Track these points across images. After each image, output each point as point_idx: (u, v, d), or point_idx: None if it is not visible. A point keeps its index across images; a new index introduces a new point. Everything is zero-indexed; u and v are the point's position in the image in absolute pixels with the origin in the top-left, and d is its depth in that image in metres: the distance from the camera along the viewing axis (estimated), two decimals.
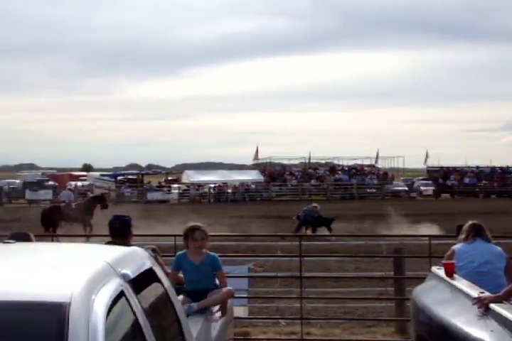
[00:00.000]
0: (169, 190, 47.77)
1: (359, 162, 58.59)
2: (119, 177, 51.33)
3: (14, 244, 3.19)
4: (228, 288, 5.26)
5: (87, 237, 14.40)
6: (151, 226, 17.94)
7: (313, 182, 51.40)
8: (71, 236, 13.56)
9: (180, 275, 5.43)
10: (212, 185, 48.26)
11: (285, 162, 59.35)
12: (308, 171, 54.44)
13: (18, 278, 2.32)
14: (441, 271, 5.12)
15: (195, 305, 4.95)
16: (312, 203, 22.70)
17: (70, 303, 2.15)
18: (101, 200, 21.67)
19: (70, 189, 33.18)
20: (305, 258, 8.99)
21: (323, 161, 59.05)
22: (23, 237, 4.27)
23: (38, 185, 47.23)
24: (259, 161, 58.34)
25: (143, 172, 57.21)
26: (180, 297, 4.93)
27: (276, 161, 59.10)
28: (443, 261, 5.26)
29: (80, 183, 50.49)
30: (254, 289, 9.77)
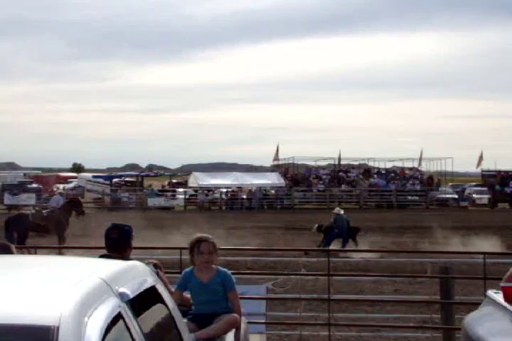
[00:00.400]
0: (174, 195, 47.96)
1: (399, 164, 58.38)
2: (115, 180, 51.65)
3: None
4: (232, 315, 5.23)
5: (66, 249, 14.50)
6: (152, 238, 17.99)
7: (343, 187, 51.30)
8: (59, 248, 13.65)
9: (188, 295, 5.44)
10: (225, 190, 48.37)
11: (310, 163, 59.31)
12: (338, 174, 54.32)
13: None
14: (499, 296, 5.06)
15: (193, 336, 4.92)
16: (335, 209, 22.15)
17: (58, 327, 2.15)
18: (75, 205, 21.55)
19: (61, 193, 33.41)
20: (334, 277, 8.95)
21: (356, 163, 58.89)
22: (2, 249, 4.31)
23: (19, 187, 47.65)
24: (280, 162, 58.34)
25: (143, 173, 57.51)
26: (184, 321, 4.92)
27: (300, 162, 59.09)
28: (501, 284, 5.19)
29: (69, 186, 50.95)
30: (273, 313, 9.75)
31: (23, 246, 11.51)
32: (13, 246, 4.60)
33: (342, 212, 21.36)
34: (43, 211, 21.15)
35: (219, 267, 5.42)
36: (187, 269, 5.52)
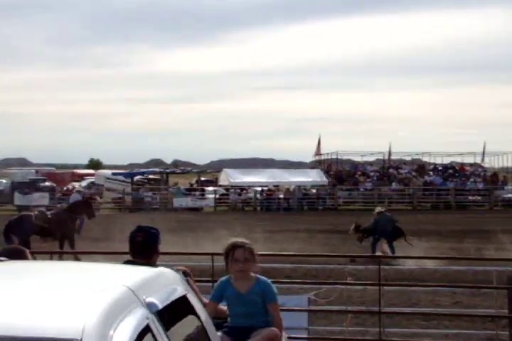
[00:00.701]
0: (202, 195, 48.17)
1: (458, 159, 57.80)
2: (137, 177, 52.02)
3: (6, 262, 3.26)
4: (272, 329, 5.24)
5: (81, 255, 14.64)
6: (179, 243, 18.11)
7: (394, 185, 50.97)
8: (75, 253, 13.82)
9: (223, 307, 5.46)
10: (260, 189, 48.43)
11: (356, 159, 59.11)
12: (388, 171, 53.99)
13: (14, 307, 2.36)
14: None
15: None
16: (377, 208, 21.90)
17: (80, 340, 2.18)
18: (85, 207, 21.66)
19: (79, 191, 33.82)
20: (384, 287, 8.90)
21: (408, 158, 58.48)
22: (16, 254, 4.39)
23: (31, 186, 48.26)
24: (322, 157, 58.20)
25: (168, 170, 57.83)
26: (219, 334, 4.95)
27: (344, 157, 58.85)
28: None
29: (85, 184, 51.55)
30: (316, 328, 9.75)
31: (38, 252, 11.60)
32: (27, 251, 4.68)
33: (384, 209, 21.17)
34: (48, 212, 21.26)
35: (259, 276, 5.42)
36: (223, 278, 5.53)
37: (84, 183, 53.64)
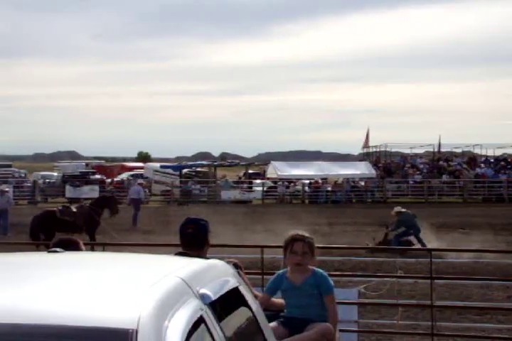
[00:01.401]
0: (250, 188, 48.28)
1: (510, 151, 56.91)
2: (185, 170, 52.38)
3: (62, 253, 3.30)
4: (326, 324, 5.24)
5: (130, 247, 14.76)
6: (227, 235, 18.19)
7: (444, 178, 50.40)
8: (135, 246, 13.93)
9: (277, 300, 5.49)
10: (307, 181, 48.36)
11: (406, 151, 58.56)
12: (438, 163, 53.41)
13: (70, 298, 2.39)
14: None
15: None
16: (396, 208, 21.39)
17: (136, 331, 2.19)
18: (109, 203, 21.87)
19: (140, 183, 34.18)
20: (436, 280, 8.82)
21: (459, 150, 57.80)
22: (71, 245, 4.46)
23: (82, 179, 48.91)
24: (371, 150, 57.84)
25: (215, 163, 58.12)
26: (273, 324, 4.98)
27: (393, 150, 58.44)
28: None
29: (125, 176, 52.12)
30: (366, 321, 9.71)
31: (93, 243, 11.73)
32: (81, 242, 4.75)
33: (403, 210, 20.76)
34: (72, 206, 21.56)
35: (315, 268, 5.43)
36: (279, 271, 5.58)
37: (124, 176, 54.17)
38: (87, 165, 67.17)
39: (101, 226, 21.66)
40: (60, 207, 21.24)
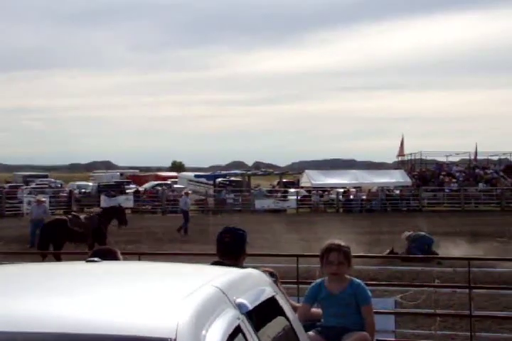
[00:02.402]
0: (284, 196, 48.23)
1: None
2: (219, 180, 52.56)
3: (100, 262, 3.33)
4: (363, 334, 5.23)
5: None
6: (263, 244, 18.19)
7: (480, 186, 49.91)
8: (173, 255, 14.01)
9: (316, 309, 5.49)
10: (342, 190, 48.18)
11: (441, 159, 58.07)
12: (474, 171, 52.92)
13: (109, 307, 2.41)
14: None
15: None
16: (404, 234, 21.12)
17: (175, 340, 2.20)
18: (117, 214, 21.70)
19: (187, 193, 34.35)
20: (475, 290, 8.71)
21: (495, 157, 57.20)
22: (108, 254, 4.50)
23: (116, 188, 49.30)
24: (405, 158, 57.48)
25: (249, 172, 58.22)
26: (311, 333, 4.98)
27: (428, 158, 58.00)
28: None
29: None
30: (403, 331, 9.62)
31: (130, 253, 11.68)
32: (119, 252, 4.78)
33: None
34: (81, 216, 21.14)
35: (353, 278, 5.44)
36: (317, 280, 5.59)
37: (151, 184, 54.50)
38: (121, 174, 67.74)
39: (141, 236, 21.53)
40: (70, 216, 20.91)
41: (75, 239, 19.74)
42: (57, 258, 16.02)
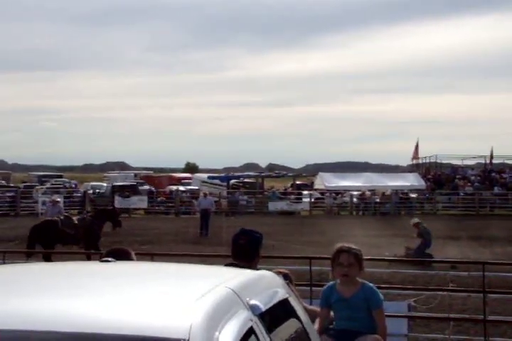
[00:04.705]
0: (298, 199, 48.17)
1: None
2: (233, 181, 52.54)
3: (114, 263, 3.34)
4: (375, 337, 5.22)
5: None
6: (275, 246, 18.17)
7: (496, 190, 49.62)
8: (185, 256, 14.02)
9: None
10: (356, 193, 48.05)
11: (456, 162, 57.84)
12: (490, 175, 52.61)
13: (123, 307, 2.42)
14: None
15: None
16: (413, 220, 21.62)
17: (188, 340, 2.20)
18: (111, 216, 21.19)
19: (205, 193, 34.40)
20: (489, 294, 8.66)
21: (511, 162, 56.87)
22: (122, 255, 4.50)
23: (131, 189, 49.38)
24: (420, 161, 57.27)
25: (263, 174, 58.19)
26: (323, 337, 4.97)
27: (443, 161, 57.79)
28: None
29: (182, 188, 52.40)
30: (416, 335, 9.59)
31: (144, 253, 11.65)
32: (133, 252, 4.78)
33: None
34: (74, 218, 20.64)
35: (365, 281, 5.43)
36: (329, 284, 5.58)
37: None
38: (135, 175, 67.85)
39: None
40: (62, 217, 20.36)
41: (66, 241, 19.24)
42: (47, 259, 15.73)
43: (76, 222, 19.82)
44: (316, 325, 5.08)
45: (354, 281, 5.39)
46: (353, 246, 5.48)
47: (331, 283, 5.54)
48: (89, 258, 14.14)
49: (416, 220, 21.34)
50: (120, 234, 24.78)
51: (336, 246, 5.48)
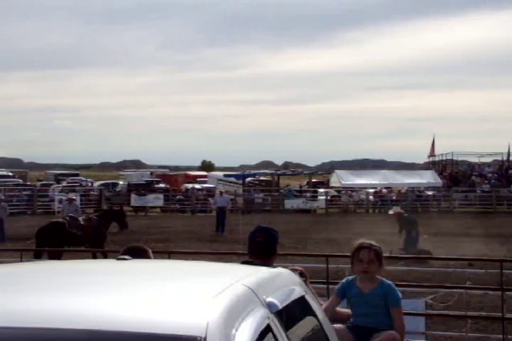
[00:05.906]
0: (314, 196, 48.13)
1: None
2: (248, 179, 52.57)
3: (131, 261, 3.34)
4: (392, 333, 5.22)
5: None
6: (291, 244, 18.13)
7: None
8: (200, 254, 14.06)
9: (345, 309, 5.49)
10: (372, 190, 47.98)
11: (473, 159, 57.64)
12: (507, 172, 52.35)
13: (140, 305, 2.42)
14: None
15: None
16: (395, 207, 21.48)
17: (205, 338, 2.19)
18: (117, 216, 21.04)
19: (221, 191, 34.50)
20: (507, 292, 8.61)
21: None
22: (139, 253, 4.51)
23: (147, 187, 49.54)
24: (436, 158, 57.07)
25: (279, 172, 58.16)
26: (340, 327, 5.00)
27: (460, 158, 57.58)
28: None
29: (197, 186, 52.53)
30: (433, 332, 9.55)
31: (160, 251, 11.69)
32: (149, 250, 4.79)
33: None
34: (80, 218, 20.33)
35: (384, 279, 5.44)
36: (349, 277, 5.60)
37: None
38: (151, 174, 68.08)
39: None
40: (68, 218, 20.05)
41: (73, 243, 19.01)
42: (58, 257, 15.66)
43: (82, 222, 19.70)
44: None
45: (373, 278, 5.40)
46: (374, 243, 5.50)
47: (352, 276, 5.56)
48: (94, 257, 14.08)
49: (397, 209, 21.00)
50: (136, 232, 24.85)
51: (357, 243, 5.51)
